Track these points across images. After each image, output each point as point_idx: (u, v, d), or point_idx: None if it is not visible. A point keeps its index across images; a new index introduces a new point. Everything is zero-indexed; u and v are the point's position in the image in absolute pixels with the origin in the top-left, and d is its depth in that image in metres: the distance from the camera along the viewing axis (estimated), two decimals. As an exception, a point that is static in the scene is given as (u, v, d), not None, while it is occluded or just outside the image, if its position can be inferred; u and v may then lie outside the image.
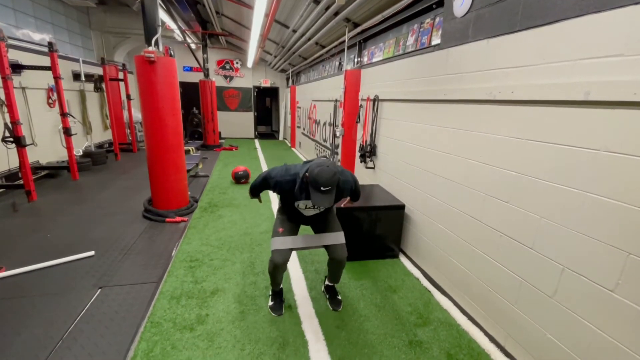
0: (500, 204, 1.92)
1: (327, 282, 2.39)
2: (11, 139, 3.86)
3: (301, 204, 1.99)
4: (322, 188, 1.68)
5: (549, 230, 1.61)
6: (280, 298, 2.30)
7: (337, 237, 2.10)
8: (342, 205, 2.40)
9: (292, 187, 1.91)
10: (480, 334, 2.07)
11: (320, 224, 2.17)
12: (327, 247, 2.11)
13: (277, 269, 2.06)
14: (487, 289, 2.06)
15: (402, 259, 3.05)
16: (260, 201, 2.36)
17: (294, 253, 2.53)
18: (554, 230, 1.59)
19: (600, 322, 1.39)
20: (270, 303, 2.27)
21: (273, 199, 4.77)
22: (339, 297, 2.35)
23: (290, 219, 2.17)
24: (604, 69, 1.36)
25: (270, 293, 2.33)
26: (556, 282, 1.58)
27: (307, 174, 1.77)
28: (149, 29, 3.41)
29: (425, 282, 2.65)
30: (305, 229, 2.22)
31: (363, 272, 2.78)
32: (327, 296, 2.37)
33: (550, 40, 1.60)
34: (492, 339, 2.01)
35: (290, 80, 10.61)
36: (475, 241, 2.16)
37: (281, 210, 2.22)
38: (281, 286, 2.30)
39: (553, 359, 1.61)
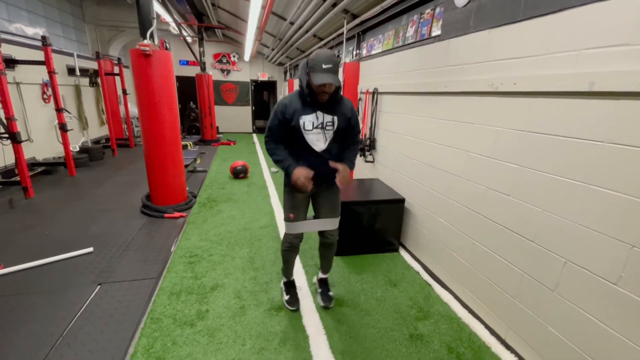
0: (502, 197, 1.91)
1: (320, 275, 2.33)
2: (6, 135, 3.82)
3: (307, 123, 1.83)
4: (323, 65, 1.66)
5: (551, 223, 1.60)
6: (294, 290, 2.28)
7: (334, 223, 2.12)
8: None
9: (295, 101, 1.84)
10: (481, 327, 2.07)
11: (324, 205, 2.07)
12: (321, 232, 2.13)
13: (291, 250, 2.12)
14: (487, 282, 2.05)
15: (402, 252, 3.04)
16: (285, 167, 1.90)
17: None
18: (556, 223, 1.58)
19: (603, 316, 1.39)
20: (286, 297, 2.24)
21: (273, 196, 4.76)
22: (331, 294, 2.28)
23: (299, 201, 2.04)
24: (609, 59, 1.33)
25: (282, 286, 2.31)
26: (558, 275, 1.58)
27: (307, 73, 1.75)
28: (144, 22, 3.36)
29: (426, 276, 2.65)
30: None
31: (363, 266, 2.77)
32: (319, 291, 2.29)
33: (554, 30, 1.57)
34: (493, 332, 2.01)
35: (288, 74, 10.50)
36: (475, 234, 2.15)
37: (289, 182, 2.01)
38: (293, 277, 2.30)
39: (554, 352, 1.61)
